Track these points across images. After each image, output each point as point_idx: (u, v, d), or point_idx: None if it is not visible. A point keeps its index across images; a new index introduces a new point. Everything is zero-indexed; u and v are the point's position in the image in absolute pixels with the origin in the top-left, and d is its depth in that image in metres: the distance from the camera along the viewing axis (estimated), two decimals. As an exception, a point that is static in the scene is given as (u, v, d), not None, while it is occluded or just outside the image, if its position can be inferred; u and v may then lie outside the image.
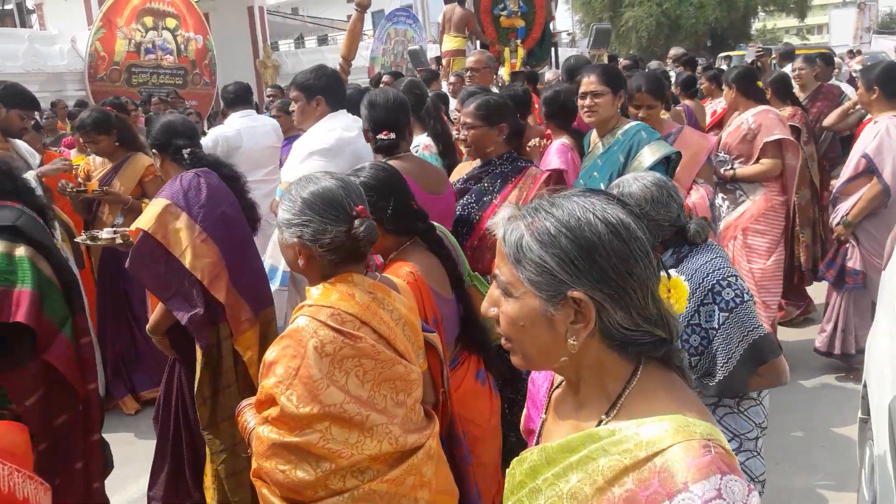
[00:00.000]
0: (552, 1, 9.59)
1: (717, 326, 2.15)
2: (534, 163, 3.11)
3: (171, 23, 13.46)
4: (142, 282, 2.87)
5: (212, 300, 2.76)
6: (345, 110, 3.48)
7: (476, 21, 9.04)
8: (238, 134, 4.83)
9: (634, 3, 27.69)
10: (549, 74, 7.21)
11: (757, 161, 4.38)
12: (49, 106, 8.80)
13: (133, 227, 2.84)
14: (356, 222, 1.72)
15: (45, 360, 2.25)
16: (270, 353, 1.68)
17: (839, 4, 36.65)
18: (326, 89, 3.40)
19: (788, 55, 8.22)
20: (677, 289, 1.04)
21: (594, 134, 3.45)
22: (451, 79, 7.62)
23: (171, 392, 2.97)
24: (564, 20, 29.32)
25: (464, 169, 3.23)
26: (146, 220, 2.74)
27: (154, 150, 2.99)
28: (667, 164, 3.21)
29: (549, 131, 4.02)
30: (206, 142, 4.33)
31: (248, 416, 1.86)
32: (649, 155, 3.21)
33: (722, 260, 2.23)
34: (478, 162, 3.14)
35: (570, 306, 0.95)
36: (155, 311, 2.90)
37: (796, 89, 5.57)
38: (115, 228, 3.32)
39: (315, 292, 1.75)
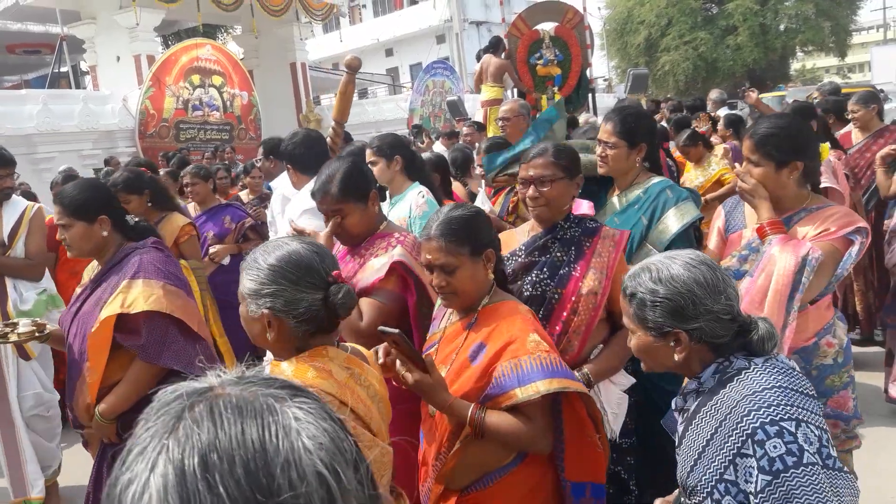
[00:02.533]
0: (588, 48, 9.67)
1: (754, 492, 1.44)
2: (602, 224, 2.64)
3: (217, 80, 13.91)
4: (164, 364, 2.61)
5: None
6: None
7: (513, 70, 9.17)
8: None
9: (670, 48, 27.78)
10: (581, 118, 7.22)
11: None
12: (103, 163, 9.09)
13: (135, 310, 2.57)
14: (332, 289, 1.62)
15: None
16: None
17: (880, 42, 36.24)
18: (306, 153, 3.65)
19: (834, 93, 8.11)
20: None
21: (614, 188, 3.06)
22: (465, 129, 7.71)
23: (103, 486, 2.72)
24: (600, 66, 29.58)
25: (511, 240, 2.63)
26: (154, 301, 2.57)
27: (104, 216, 2.71)
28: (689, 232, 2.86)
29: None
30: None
31: None
32: (675, 220, 2.80)
33: (781, 392, 1.50)
34: (527, 227, 2.66)
35: None
36: (119, 393, 2.61)
37: (855, 132, 5.41)
38: (33, 319, 2.94)
39: (287, 369, 1.59)
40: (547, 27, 9.26)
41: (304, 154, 3.69)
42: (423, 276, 2.37)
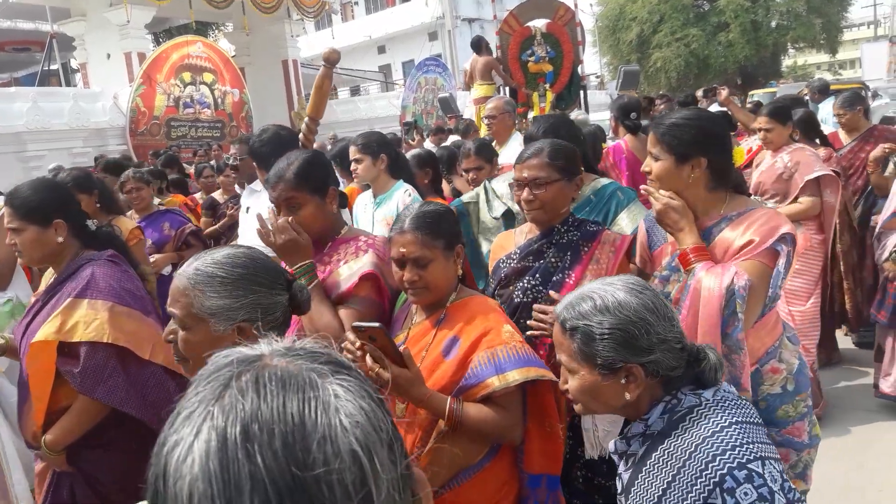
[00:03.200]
0: (580, 45, 9.67)
1: None
2: (604, 226, 2.48)
3: (208, 77, 13.87)
4: (98, 398, 2.33)
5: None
6: None
7: (500, 67, 9.18)
8: None
9: (662, 45, 27.83)
10: (572, 115, 7.22)
11: (794, 200, 4.21)
12: (93, 159, 9.05)
13: (72, 339, 2.31)
14: (295, 286, 1.58)
15: None
16: None
17: (870, 39, 36.42)
18: (272, 153, 3.21)
19: (824, 90, 8.14)
20: None
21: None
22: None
23: None
24: (592, 63, 29.60)
25: (507, 242, 2.55)
26: (95, 328, 2.31)
27: (59, 220, 2.43)
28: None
29: None
30: None
31: None
32: (628, 222, 2.74)
33: (740, 429, 1.39)
34: (526, 228, 2.52)
35: None
36: (64, 425, 2.37)
37: (842, 133, 5.41)
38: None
39: None
40: (539, 24, 9.27)
41: (272, 152, 3.41)
42: (394, 282, 2.32)
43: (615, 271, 2.27)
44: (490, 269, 2.60)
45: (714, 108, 8.75)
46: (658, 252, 2.38)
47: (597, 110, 13.18)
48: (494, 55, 9.37)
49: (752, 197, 4.23)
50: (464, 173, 3.73)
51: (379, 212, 3.65)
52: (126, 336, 2.36)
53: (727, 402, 1.44)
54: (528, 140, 2.90)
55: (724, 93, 6.51)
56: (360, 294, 2.24)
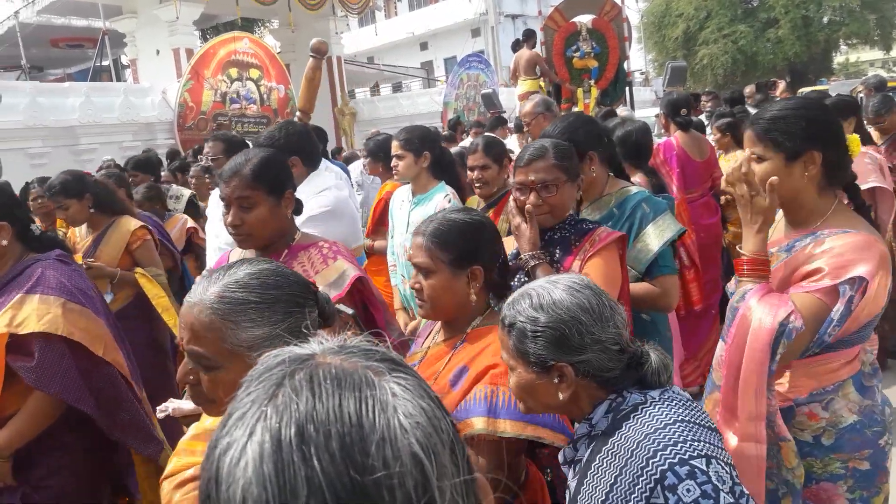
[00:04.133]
0: (626, 41, 9.57)
1: None
2: (600, 224, 2.38)
3: (254, 73, 14.06)
4: (54, 394, 2.27)
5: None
6: (324, 167, 3.13)
7: (544, 61, 9.12)
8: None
9: (709, 41, 27.33)
10: (619, 111, 7.13)
11: None
12: (142, 153, 9.26)
13: (24, 330, 2.23)
14: (320, 297, 1.43)
15: None
16: None
17: (928, 35, 35.23)
18: (298, 148, 2.99)
19: (880, 87, 7.87)
20: None
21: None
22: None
23: None
24: (638, 59, 29.23)
25: (507, 245, 2.34)
26: (49, 321, 2.25)
27: (4, 223, 2.37)
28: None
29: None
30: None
31: None
32: (655, 238, 2.53)
33: (685, 427, 1.33)
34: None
35: None
36: (14, 426, 2.25)
37: (875, 134, 5.16)
38: None
39: None
40: (584, 20, 9.19)
41: (307, 146, 3.08)
42: (375, 291, 2.21)
43: (595, 260, 2.18)
44: None
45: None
46: None
47: (642, 107, 13.02)
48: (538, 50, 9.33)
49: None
50: (469, 172, 3.36)
51: (416, 212, 3.46)
52: (80, 332, 2.30)
53: (675, 401, 1.39)
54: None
55: (781, 86, 6.32)
56: (349, 304, 2.03)
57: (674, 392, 1.42)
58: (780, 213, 2.06)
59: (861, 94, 9.00)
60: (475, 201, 3.51)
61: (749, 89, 9.76)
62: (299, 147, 2.97)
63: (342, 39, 18.10)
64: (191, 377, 1.33)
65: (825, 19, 27.27)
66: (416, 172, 3.45)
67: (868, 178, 3.76)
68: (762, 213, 1.84)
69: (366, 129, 15.55)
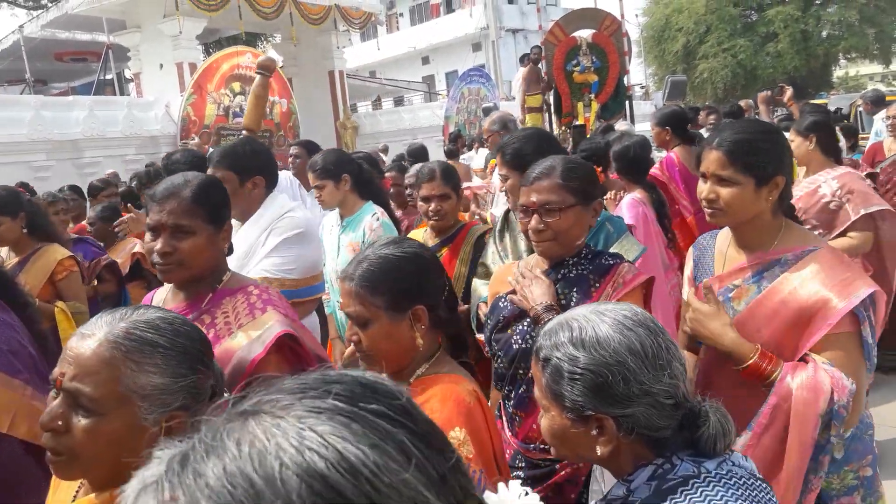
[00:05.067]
0: (626, 55, 9.65)
1: None
2: (622, 259, 2.10)
3: (257, 87, 14.15)
4: None
5: None
6: (278, 189, 2.91)
7: (542, 74, 9.25)
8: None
9: (709, 55, 27.46)
10: (618, 126, 7.18)
11: (842, 234, 3.55)
12: (145, 167, 9.32)
13: None
14: (216, 369, 1.30)
15: None
16: None
17: (927, 49, 35.37)
18: (264, 167, 2.75)
19: (878, 101, 7.91)
20: None
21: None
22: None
23: None
24: (638, 74, 29.37)
25: (509, 275, 2.10)
26: None
27: None
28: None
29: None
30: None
31: None
32: None
33: None
34: (532, 260, 2.11)
35: None
36: None
37: (888, 141, 5.18)
38: None
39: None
40: (584, 34, 9.27)
41: (271, 165, 2.87)
42: (312, 341, 1.94)
43: None
44: (489, 304, 2.22)
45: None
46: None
47: (642, 121, 13.07)
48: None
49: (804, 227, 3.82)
50: (423, 202, 2.99)
51: (345, 236, 3.34)
52: None
53: (733, 478, 1.14)
54: (499, 151, 2.55)
55: (788, 92, 6.26)
56: (268, 368, 1.73)
57: (733, 465, 1.17)
58: (721, 236, 2.03)
59: (860, 108, 9.05)
60: (420, 235, 3.14)
61: (745, 103, 9.81)
62: (265, 166, 2.76)
63: (344, 54, 18.22)
64: (59, 423, 1.14)
65: (824, 33, 27.43)
66: (341, 197, 3.34)
67: (872, 200, 3.62)
68: (716, 316, 1.78)
69: (368, 142, 15.63)
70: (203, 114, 13.08)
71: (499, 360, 2.04)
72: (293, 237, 2.68)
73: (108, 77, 16.62)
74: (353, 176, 3.34)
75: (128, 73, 17.64)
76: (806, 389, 1.64)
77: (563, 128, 9.35)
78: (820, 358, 1.71)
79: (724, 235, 2.01)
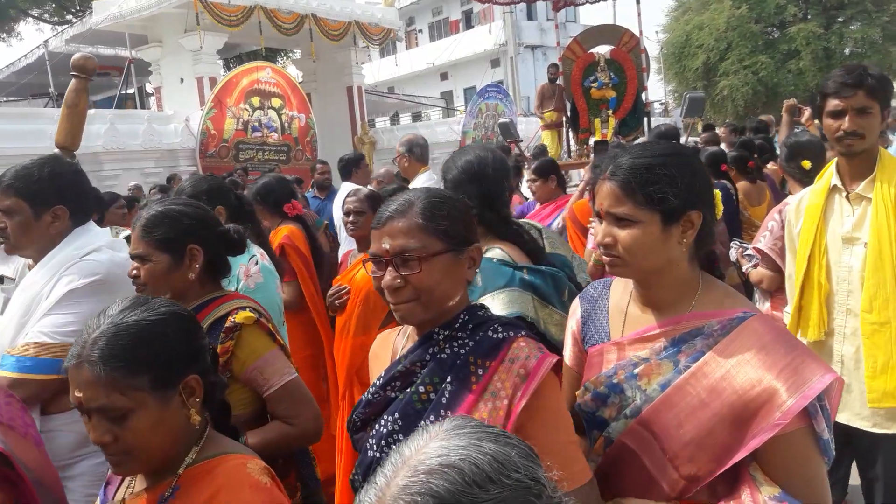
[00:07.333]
0: (644, 72, 9.60)
1: None
2: (518, 328, 1.46)
3: (276, 102, 14.24)
4: None
5: None
6: (93, 222, 2.29)
7: (559, 92, 9.23)
8: None
9: (729, 72, 27.34)
10: (637, 143, 7.14)
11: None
12: (166, 180, 9.40)
13: None
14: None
15: None
16: None
17: (951, 67, 34.98)
18: (64, 194, 2.14)
19: (901, 119, 7.77)
20: None
21: None
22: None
23: None
24: (657, 90, 29.32)
25: (384, 349, 1.63)
26: None
27: None
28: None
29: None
30: None
31: None
32: (499, 309, 1.89)
33: None
34: (408, 332, 1.57)
35: None
36: None
37: None
38: None
39: None
40: (602, 50, 9.24)
41: (79, 191, 2.30)
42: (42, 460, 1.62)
43: (517, 412, 1.31)
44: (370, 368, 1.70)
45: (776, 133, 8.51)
46: (596, 351, 1.55)
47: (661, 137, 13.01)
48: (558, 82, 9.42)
49: (747, 247, 3.38)
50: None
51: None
52: None
53: None
54: (445, 173, 2.17)
55: (806, 113, 6.25)
56: None
57: None
58: (618, 286, 1.60)
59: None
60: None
61: (767, 118, 9.70)
62: (68, 193, 2.15)
63: (363, 69, 18.32)
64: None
65: (847, 51, 27.22)
66: None
67: None
68: None
69: (385, 157, 15.65)
70: (222, 128, 13.17)
71: (356, 472, 1.48)
72: (84, 288, 2.01)
73: (130, 91, 16.84)
74: (230, 208, 2.78)
75: (149, 88, 17.86)
76: None
77: (581, 144, 9.31)
78: (767, 490, 1.29)
79: (622, 286, 1.57)
